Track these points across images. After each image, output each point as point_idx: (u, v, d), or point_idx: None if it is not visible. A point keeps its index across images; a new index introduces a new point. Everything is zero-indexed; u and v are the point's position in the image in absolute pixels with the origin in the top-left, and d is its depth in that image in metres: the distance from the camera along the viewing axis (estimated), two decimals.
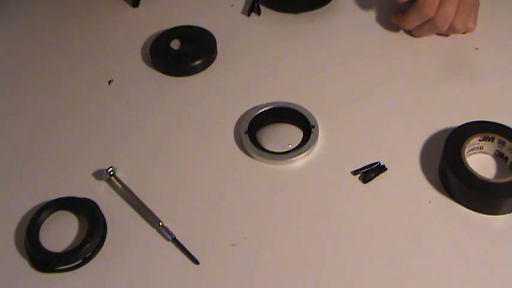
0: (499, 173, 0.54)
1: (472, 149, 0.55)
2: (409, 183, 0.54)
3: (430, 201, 0.52)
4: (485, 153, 0.56)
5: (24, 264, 0.50)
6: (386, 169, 0.55)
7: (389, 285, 0.47)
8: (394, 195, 0.53)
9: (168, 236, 0.51)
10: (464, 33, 0.66)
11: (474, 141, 0.54)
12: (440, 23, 0.63)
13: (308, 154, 0.56)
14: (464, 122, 0.55)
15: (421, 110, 0.59)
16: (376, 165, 0.55)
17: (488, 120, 0.55)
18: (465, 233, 0.50)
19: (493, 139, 0.54)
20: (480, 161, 0.55)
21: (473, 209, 0.52)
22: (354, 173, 0.55)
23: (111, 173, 0.54)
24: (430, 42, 0.64)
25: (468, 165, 0.52)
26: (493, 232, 0.50)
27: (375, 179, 0.54)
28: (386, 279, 0.48)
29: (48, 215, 0.52)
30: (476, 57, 0.65)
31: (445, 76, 0.63)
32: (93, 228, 0.51)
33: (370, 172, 0.54)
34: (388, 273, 0.48)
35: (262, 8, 0.72)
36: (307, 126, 0.58)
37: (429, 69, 0.64)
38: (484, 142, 0.55)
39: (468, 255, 0.49)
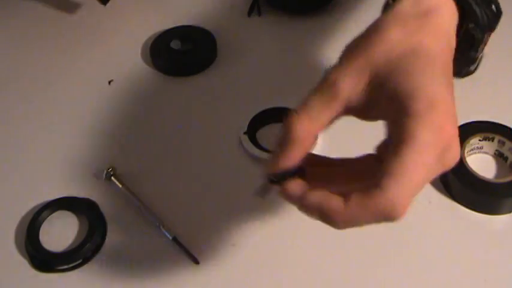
0: (499, 172, 0.54)
1: (472, 149, 0.55)
2: None
3: (430, 202, 0.52)
4: (485, 153, 0.56)
5: (24, 264, 0.50)
6: None
7: (389, 286, 0.47)
8: None
9: (168, 236, 0.51)
10: None
11: (474, 141, 0.54)
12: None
13: None
14: (464, 122, 0.55)
15: None
16: None
17: (488, 120, 0.55)
18: (465, 233, 0.50)
19: (493, 139, 0.54)
20: (480, 161, 0.55)
21: (473, 209, 0.51)
22: None
23: (111, 173, 0.54)
24: None
25: (468, 165, 0.52)
26: (493, 232, 0.50)
27: None
28: (387, 279, 0.48)
29: (48, 215, 0.52)
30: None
31: None
32: (93, 228, 0.51)
33: None
34: (388, 273, 0.48)
35: (263, 8, 0.72)
36: None
37: None
38: (484, 142, 0.55)
39: (468, 255, 0.49)
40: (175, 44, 0.68)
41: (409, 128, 0.35)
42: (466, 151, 0.53)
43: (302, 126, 0.37)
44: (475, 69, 0.59)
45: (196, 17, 0.71)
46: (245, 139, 0.57)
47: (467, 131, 0.54)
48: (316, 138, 0.38)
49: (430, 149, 0.35)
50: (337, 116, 0.39)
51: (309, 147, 0.38)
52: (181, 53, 0.67)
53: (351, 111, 0.39)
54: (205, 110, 0.61)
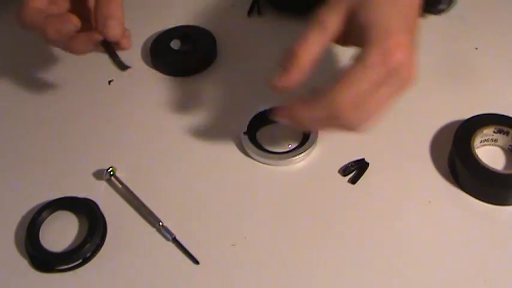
0: (510, 166, 0.54)
1: (485, 140, 0.55)
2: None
3: (429, 202, 0.52)
4: (499, 146, 0.56)
5: (24, 264, 0.50)
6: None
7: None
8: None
9: (168, 236, 0.51)
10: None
11: (488, 132, 0.54)
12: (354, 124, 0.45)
13: (308, 154, 0.56)
14: (481, 113, 0.55)
15: (425, 108, 0.59)
16: (361, 161, 0.55)
17: (506, 114, 0.55)
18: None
19: (507, 133, 0.54)
20: (492, 154, 0.55)
21: (481, 199, 0.52)
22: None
23: (111, 173, 0.54)
24: (429, 43, 0.64)
25: (477, 155, 0.52)
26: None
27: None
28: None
29: (48, 215, 0.52)
30: (477, 57, 0.65)
31: (445, 76, 0.63)
32: (93, 228, 0.51)
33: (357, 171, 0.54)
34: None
35: (263, 8, 0.72)
36: None
37: (430, 70, 0.64)
38: (498, 135, 0.54)
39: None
40: (175, 44, 0.68)
41: (362, 50, 0.43)
42: (478, 141, 0.53)
43: (302, 53, 0.47)
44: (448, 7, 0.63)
45: (196, 17, 0.71)
46: (245, 139, 0.57)
47: (480, 121, 0.54)
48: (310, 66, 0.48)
49: (375, 68, 0.43)
50: (326, 46, 0.48)
51: (306, 72, 0.48)
52: (181, 53, 0.67)
53: (335, 40, 0.48)
54: (205, 110, 0.61)
